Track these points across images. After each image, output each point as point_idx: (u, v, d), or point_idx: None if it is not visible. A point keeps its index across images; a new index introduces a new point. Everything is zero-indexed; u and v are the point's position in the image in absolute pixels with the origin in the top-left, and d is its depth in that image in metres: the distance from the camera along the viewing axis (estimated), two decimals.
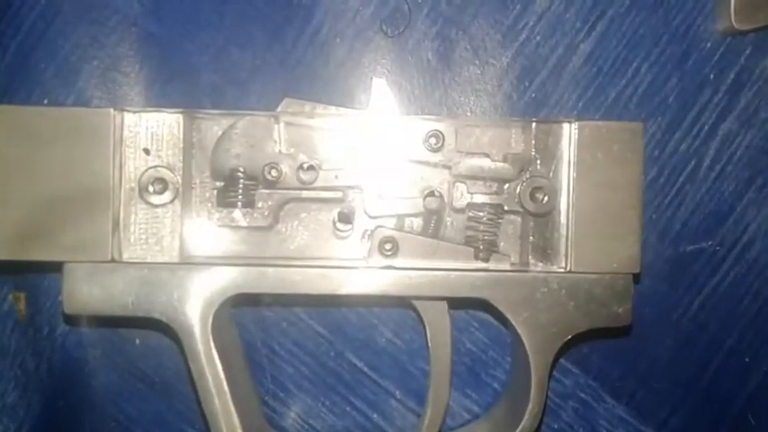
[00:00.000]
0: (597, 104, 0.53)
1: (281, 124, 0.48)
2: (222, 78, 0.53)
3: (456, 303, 0.49)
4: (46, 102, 0.52)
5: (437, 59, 0.53)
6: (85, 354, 0.53)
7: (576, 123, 0.47)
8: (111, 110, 0.46)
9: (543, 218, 0.47)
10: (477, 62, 0.53)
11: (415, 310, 0.49)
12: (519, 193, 0.48)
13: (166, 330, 0.47)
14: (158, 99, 0.52)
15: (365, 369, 0.54)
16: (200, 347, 0.46)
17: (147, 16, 0.52)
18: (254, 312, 0.54)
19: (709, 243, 0.54)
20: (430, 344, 0.49)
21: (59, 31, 0.52)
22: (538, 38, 0.53)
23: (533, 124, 0.48)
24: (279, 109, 0.48)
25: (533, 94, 0.53)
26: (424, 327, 0.49)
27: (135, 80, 0.53)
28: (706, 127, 0.53)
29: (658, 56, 0.53)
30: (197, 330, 0.46)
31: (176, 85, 0.53)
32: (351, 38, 0.52)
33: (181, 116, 0.47)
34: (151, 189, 0.47)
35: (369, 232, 0.48)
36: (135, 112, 0.46)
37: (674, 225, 0.54)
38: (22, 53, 0.52)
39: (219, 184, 0.48)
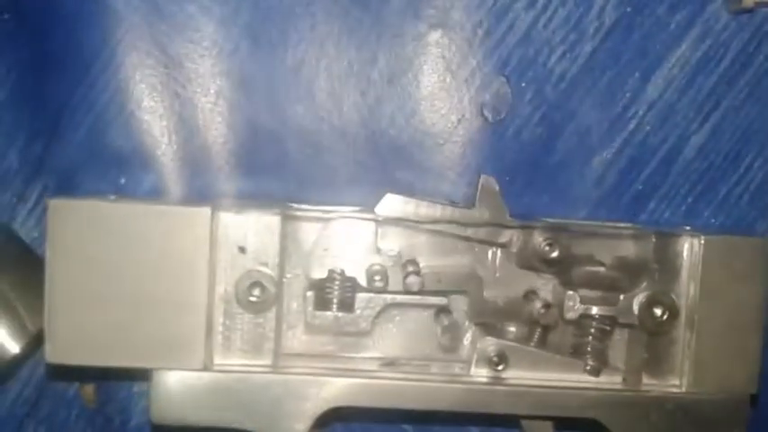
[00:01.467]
0: (707, 200, 0.50)
1: (383, 224, 0.45)
2: (310, 157, 0.49)
3: (562, 421, 0.46)
4: (123, 181, 0.49)
5: (540, 147, 0.50)
6: None
7: (702, 238, 0.44)
8: (208, 209, 0.43)
9: (661, 334, 0.45)
10: (582, 150, 0.50)
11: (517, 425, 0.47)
12: (635, 305, 0.45)
13: None
14: (242, 178, 0.49)
15: None
16: None
17: (234, 90, 0.49)
18: None
19: None
20: None
21: (138, 104, 0.49)
22: (648, 128, 0.50)
23: (653, 236, 0.45)
24: (379, 206, 0.45)
25: (640, 186, 0.50)
26: None
27: (218, 157, 0.49)
28: None
29: None
30: None
31: (261, 163, 0.49)
32: (450, 122, 0.49)
33: (278, 216, 0.44)
34: (247, 292, 0.43)
35: (474, 340, 0.45)
36: (232, 212, 0.43)
37: None
38: (96, 130, 0.48)
39: (317, 285, 0.45)
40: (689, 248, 0.44)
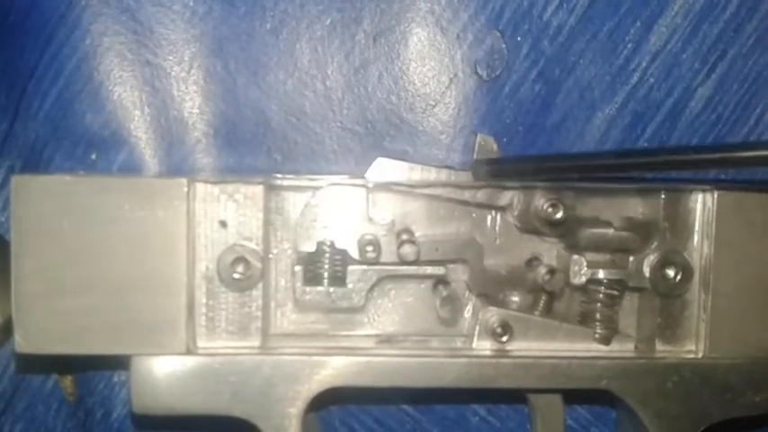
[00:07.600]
0: None
1: (374, 190, 0.42)
2: (293, 125, 0.46)
3: (572, 393, 0.44)
4: (94, 157, 0.45)
5: (538, 104, 0.47)
6: None
7: (715, 192, 0.41)
8: (184, 180, 0.40)
9: (674, 297, 0.42)
10: (583, 107, 0.47)
11: (525, 399, 0.44)
12: (646, 267, 0.42)
13: (245, 427, 0.41)
14: (221, 150, 0.46)
15: None
16: None
17: (209, 56, 0.46)
18: None
19: None
20: None
21: (107, 74, 0.45)
22: (651, 80, 0.47)
23: (662, 192, 0.42)
24: (370, 171, 0.42)
25: (645, 144, 0.47)
26: (533, 419, 0.44)
27: (195, 129, 0.46)
28: None
29: None
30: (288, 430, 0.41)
31: (242, 134, 0.46)
32: (441, 82, 0.46)
33: (261, 186, 0.41)
34: (230, 268, 0.40)
35: (475, 312, 0.42)
36: (210, 183, 0.40)
37: None
38: (64, 100, 0.45)
39: (305, 259, 0.42)
40: (701, 204, 0.42)
